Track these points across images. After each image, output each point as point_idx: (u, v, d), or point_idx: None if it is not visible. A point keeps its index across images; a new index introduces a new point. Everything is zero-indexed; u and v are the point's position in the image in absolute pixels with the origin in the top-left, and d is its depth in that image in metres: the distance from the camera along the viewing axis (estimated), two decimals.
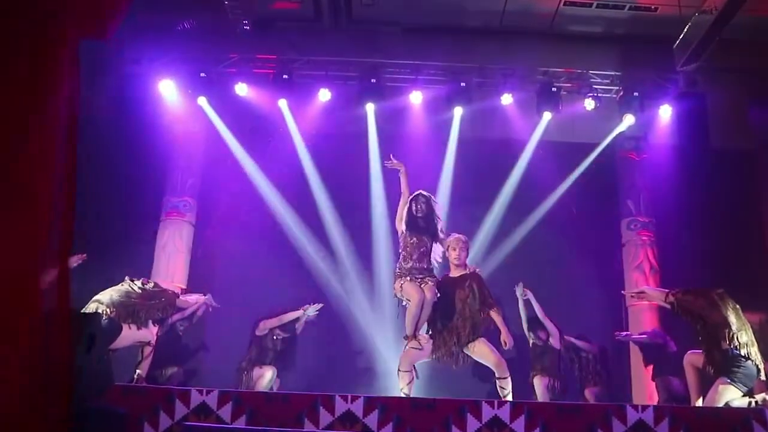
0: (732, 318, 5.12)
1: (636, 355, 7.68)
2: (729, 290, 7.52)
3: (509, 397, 5.40)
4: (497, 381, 5.50)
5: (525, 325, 7.10)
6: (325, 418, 4.03)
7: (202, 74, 9.08)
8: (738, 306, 5.37)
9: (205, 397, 4.06)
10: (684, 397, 6.17)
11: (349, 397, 4.09)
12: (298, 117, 9.26)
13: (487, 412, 4.06)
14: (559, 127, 9.18)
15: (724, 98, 9.14)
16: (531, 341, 7.11)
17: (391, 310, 7.75)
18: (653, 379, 7.09)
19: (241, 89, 9.02)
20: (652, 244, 8.66)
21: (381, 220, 8.81)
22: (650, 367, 7.18)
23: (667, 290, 5.85)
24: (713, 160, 8.82)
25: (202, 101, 9.09)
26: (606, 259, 8.76)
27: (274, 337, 6.85)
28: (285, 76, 9.07)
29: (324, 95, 9.13)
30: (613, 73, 9.28)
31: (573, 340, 7.26)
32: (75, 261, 6.27)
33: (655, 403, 7.08)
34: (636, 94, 9.13)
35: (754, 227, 8.47)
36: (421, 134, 9.31)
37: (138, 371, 5.76)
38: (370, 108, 9.18)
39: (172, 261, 8.53)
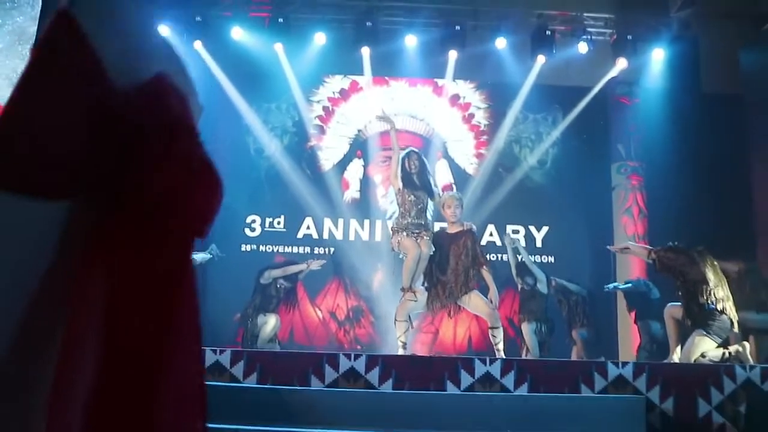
0: (710, 275, 5.43)
1: (623, 299, 8.00)
2: (713, 237, 7.88)
3: (500, 346, 5.75)
4: (490, 330, 5.83)
5: (513, 271, 7.41)
6: (330, 374, 4.35)
7: (198, 18, 9.07)
8: (716, 263, 5.68)
9: (218, 356, 4.36)
10: (663, 341, 6.54)
11: (352, 356, 4.40)
12: (293, 61, 9.31)
13: (480, 369, 4.39)
14: (552, 71, 9.24)
15: (717, 43, 9.21)
16: (519, 286, 7.44)
17: (389, 260, 8.10)
18: (636, 323, 7.49)
19: (237, 33, 9.05)
20: (641, 188, 8.89)
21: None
22: (633, 312, 7.57)
23: (650, 248, 6.15)
24: (704, 105, 8.94)
25: (198, 46, 9.11)
26: (596, 203, 8.97)
27: (278, 286, 7.16)
28: (280, 20, 9.08)
29: (320, 39, 9.17)
30: (607, 15, 9.31)
31: (563, 282, 7.58)
32: None
33: (639, 344, 7.52)
34: (629, 37, 9.18)
35: (740, 173, 8.65)
36: (416, 78, 9.43)
37: None
38: (365, 51, 9.23)
39: None
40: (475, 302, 5.86)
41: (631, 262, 8.51)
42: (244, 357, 4.38)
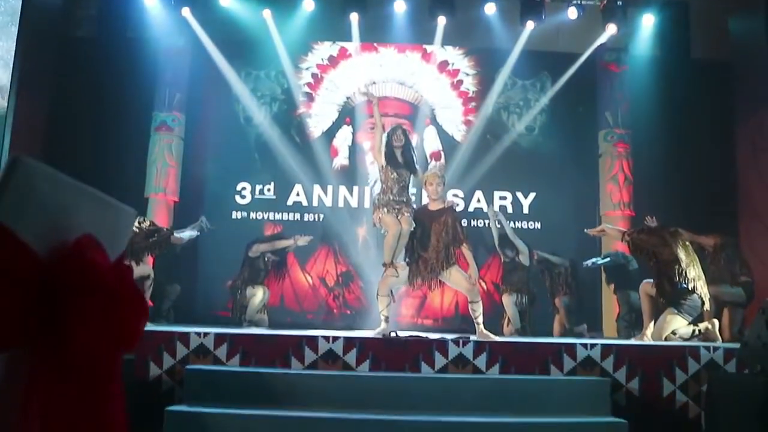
0: (682, 255, 5.59)
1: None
2: (695, 208, 8.02)
3: (480, 319, 5.93)
4: (470, 305, 6.01)
5: (496, 242, 7.56)
6: (309, 356, 4.53)
7: None
8: (688, 243, 5.83)
9: (202, 339, 4.53)
10: (640, 310, 6.74)
11: (331, 338, 4.57)
12: (281, 28, 9.28)
13: (453, 351, 4.57)
14: (541, 37, 9.22)
15: (706, 9, 9.19)
16: (502, 258, 7.60)
17: (372, 234, 8.28)
18: (615, 293, 7.68)
19: (225, 0, 9.03)
20: (627, 156, 8.96)
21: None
22: (612, 284, 7.76)
23: (624, 230, 6.30)
24: (693, 72, 8.97)
25: (186, 13, 9.06)
26: (582, 170, 9.07)
27: (266, 259, 7.32)
28: None
29: (308, 5, 9.13)
30: None
31: (546, 255, 7.75)
32: None
33: (618, 314, 7.72)
34: (619, 3, 9.15)
35: (727, 143, 8.73)
36: (404, 45, 9.43)
37: None
38: (354, 17, 9.18)
39: (163, 175, 8.84)
40: (455, 278, 6.01)
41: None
42: (227, 339, 4.55)
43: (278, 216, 8.98)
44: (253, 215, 9.00)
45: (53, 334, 0.97)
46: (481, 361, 4.55)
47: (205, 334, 4.56)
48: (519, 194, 9.09)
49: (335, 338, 4.56)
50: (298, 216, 9.00)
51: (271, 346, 4.59)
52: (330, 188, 9.06)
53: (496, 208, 8.80)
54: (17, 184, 0.90)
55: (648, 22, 9.28)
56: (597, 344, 4.64)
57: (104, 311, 0.98)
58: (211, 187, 9.08)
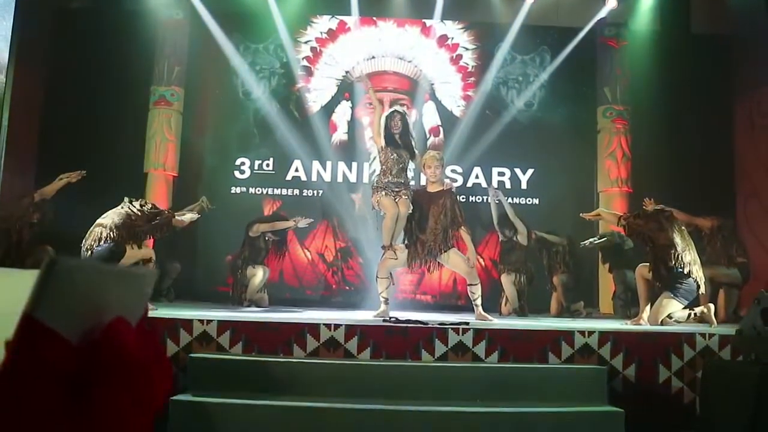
0: (677, 239, 5.64)
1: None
2: (693, 187, 8.05)
3: (478, 302, 6.02)
4: (468, 287, 6.09)
5: (495, 222, 7.60)
6: (311, 343, 4.59)
7: None
8: (684, 228, 5.88)
9: (206, 327, 4.59)
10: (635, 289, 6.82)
11: (332, 326, 4.63)
12: (280, 1, 9.18)
13: (453, 338, 4.64)
14: (541, 11, 9.16)
15: None
16: (500, 238, 7.66)
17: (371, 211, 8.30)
18: (610, 272, 7.76)
19: None
20: (626, 133, 8.96)
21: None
22: (608, 264, 7.83)
23: (620, 214, 6.34)
24: (692, 47, 8.94)
25: None
26: (581, 146, 9.08)
27: (266, 239, 7.36)
28: None
29: None
30: None
31: (543, 234, 7.79)
32: (75, 177, 6.64)
33: (614, 293, 7.80)
34: None
35: (726, 120, 8.72)
36: (404, 19, 9.36)
37: None
38: None
39: (162, 150, 8.83)
40: (453, 260, 6.07)
41: (614, 206, 8.69)
42: (230, 327, 4.61)
43: (278, 191, 9.00)
44: (252, 190, 9.02)
45: (82, 414, 1.01)
46: (480, 349, 4.62)
47: (209, 321, 4.62)
48: (517, 170, 9.10)
49: (336, 326, 4.62)
50: (297, 191, 9.02)
51: (274, 333, 4.65)
52: (329, 164, 9.06)
53: (495, 184, 8.84)
54: (56, 285, 0.95)
55: None
56: (594, 331, 4.70)
57: (133, 387, 1.03)
58: (210, 162, 9.08)
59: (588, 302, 8.03)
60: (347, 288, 8.81)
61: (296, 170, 9.04)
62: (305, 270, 8.87)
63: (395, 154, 6.11)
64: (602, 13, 9.12)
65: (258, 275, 7.09)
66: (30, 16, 8.17)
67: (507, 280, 7.34)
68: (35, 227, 6.84)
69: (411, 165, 6.36)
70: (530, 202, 8.95)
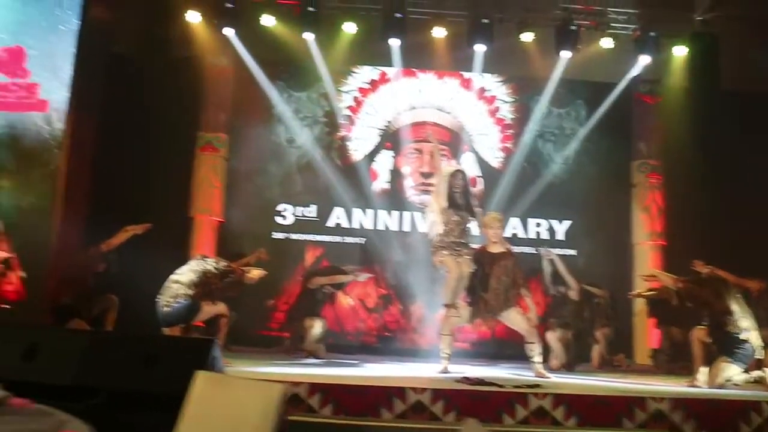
0: (734, 306, 5.87)
1: (640, 300, 8.44)
2: (731, 242, 8.24)
3: (537, 359, 6.21)
4: (527, 345, 6.27)
5: (547, 279, 7.78)
6: (398, 407, 4.77)
7: (228, 5, 9.15)
8: (739, 295, 6.10)
9: (297, 389, 4.76)
10: (682, 345, 7.02)
11: (418, 390, 4.81)
12: (323, 50, 9.44)
13: (534, 403, 4.83)
14: (576, 66, 9.43)
15: (736, 40, 9.43)
16: (551, 293, 7.85)
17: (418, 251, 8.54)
18: (657, 327, 7.96)
19: (267, 21, 9.17)
20: (660, 187, 9.24)
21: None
22: (654, 318, 8.03)
23: (676, 277, 6.54)
24: (724, 104, 9.21)
25: (229, 33, 9.20)
26: (616, 200, 9.33)
27: (324, 291, 7.53)
28: (311, 9, 9.17)
29: (349, 29, 9.29)
30: (631, 11, 9.50)
31: (587, 287, 7.98)
32: (140, 229, 6.82)
33: (656, 347, 8.00)
34: (653, 33, 9.38)
35: (761, 177, 8.92)
36: (443, 71, 9.65)
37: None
38: (394, 43, 9.34)
39: (209, 196, 9.05)
40: (514, 318, 6.26)
41: (649, 258, 8.94)
42: (319, 390, 4.78)
43: (319, 238, 9.19)
44: (294, 236, 9.22)
45: None
46: (559, 413, 4.80)
47: (299, 383, 4.78)
48: (554, 222, 9.34)
49: (422, 390, 4.79)
50: (338, 238, 9.23)
51: (363, 396, 4.82)
52: (370, 211, 9.28)
53: (532, 234, 9.09)
54: None
55: (680, 53, 9.51)
56: (665, 398, 4.89)
57: None
58: (253, 208, 9.27)
59: (626, 354, 8.23)
60: (387, 334, 8.98)
61: (338, 217, 9.28)
62: (347, 316, 9.04)
63: (457, 216, 6.29)
64: (636, 71, 9.42)
65: (316, 327, 7.24)
66: (86, 63, 8.38)
67: (552, 337, 7.47)
68: (100, 276, 6.99)
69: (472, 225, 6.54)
70: (567, 254, 9.16)
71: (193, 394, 2.11)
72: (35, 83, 8.05)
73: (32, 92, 8.03)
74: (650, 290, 7.91)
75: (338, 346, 8.37)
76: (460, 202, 6.38)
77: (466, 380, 5.40)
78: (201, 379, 2.12)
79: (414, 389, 4.81)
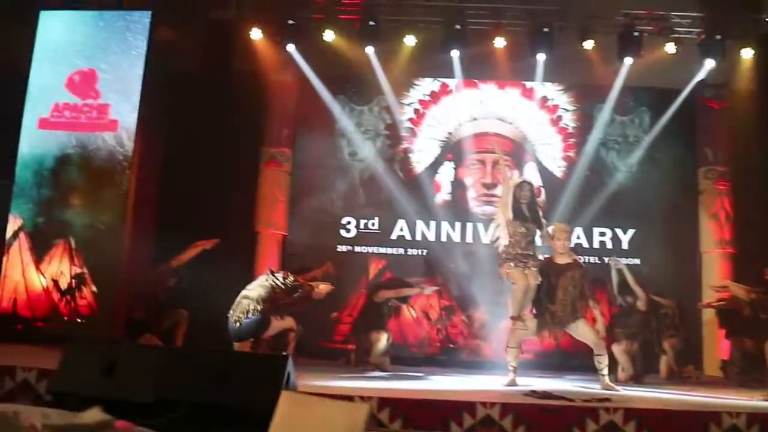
0: None
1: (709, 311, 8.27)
2: None
3: (605, 371, 6.16)
4: (595, 357, 6.22)
5: (615, 289, 7.68)
6: (467, 421, 4.80)
7: (290, 21, 9.32)
8: None
9: (368, 402, 4.83)
10: (755, 356, 6.85)
11: (488, 404, 4.83)
12: (384, 63, 9.52)
13: (604, 417, 4.80)
14: (639, 72, 9.28)
15: None
16: (617, 303, 7.75)
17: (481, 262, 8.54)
18: (727, 338, 7.78)
19: (329, 36, 9.30)
20: (728, 194, 9.03)
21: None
22: (725, 329, 7.85)
23: (749, 288, 6.41)
24: None
25: (291, 49, 9.36)
26: (682, 207, 9.16)
27: (389, 304, 7.61)
28: (371, 23, 9.27)
29: (410, 41, 9.34)
30: (695, 14, 9.32)
31: (654, 297, 7.85)
32: (209, 244, 7.01)
33: (726, 358, 7.81)
34: (718, 37, 9.17)
35: None
36: (504, 81, 9.64)
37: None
38: (454, 54, 9.36)
39: (273, 210, 9.24)
40: (582, 330, 6.23)
41: (717, 266, 8.75)
42: (389, 404, 4.84)
43: (383, 250, 9.28)
44: (358, 249, 9.33)
45: None
46: (630, 428, 4.76)
47: (369, 397, 4.86)
48: (618, 231, 9.23)
49: (492, 404, 4.82)
50: (402, 250, 9.30)
51: (432, 411, 4.87)
52: (433, 223, 9.33)
53: (596, 244, 9.00)
54: None
55: (747, 56, 9.27)
56: (742, 414, 4.80)
57: None
58: (317, 222, 9.41)
59: (696, 366, 8.06)
60: (451, 346, 8.99)
61: (401, 229, 9.35)
62: (410, 328, 9.09)
63: (524, 228, 6.31)
64: (701, 75, 9.23)
65: (381, 340, 7.31)
66: (153, 83, 8.66)
67: (618, 349, 7.33)
68: (171, 291, 7.21)
69: (538, 236, 6.53)
70: (632, 263, 9.01)
71: (278, 414, 2.19)
72: (106, 104, 8.40)
73: (103, 113, 8.37)
74: (720, 300, 7.73)
75: (402, 359, 8.41)
76: (527, 213, 6.40)
77: (534, 394, 5.40)
78: (286, 399, 2.20)
79: (483, 403, 4.84)
